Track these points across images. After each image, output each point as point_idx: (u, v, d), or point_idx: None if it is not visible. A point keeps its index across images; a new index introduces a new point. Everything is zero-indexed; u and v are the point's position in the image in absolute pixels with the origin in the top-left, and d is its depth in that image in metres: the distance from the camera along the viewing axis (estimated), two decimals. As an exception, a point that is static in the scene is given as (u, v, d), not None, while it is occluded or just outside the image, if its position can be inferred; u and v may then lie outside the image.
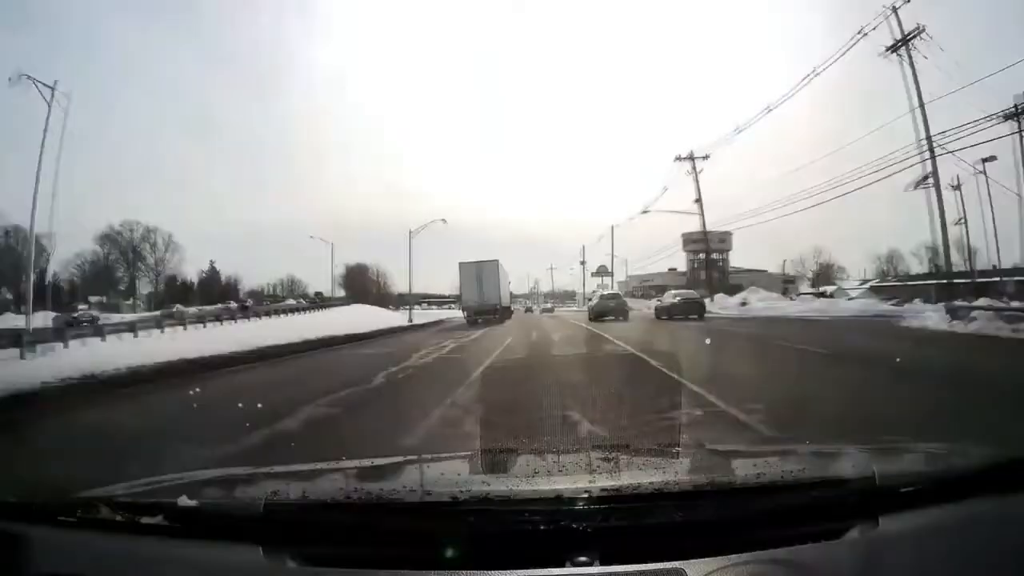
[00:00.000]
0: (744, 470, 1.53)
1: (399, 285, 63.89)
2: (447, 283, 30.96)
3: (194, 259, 59.84)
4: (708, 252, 38.57)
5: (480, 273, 29.00)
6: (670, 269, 57.35)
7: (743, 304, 29.59)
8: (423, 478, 1.36)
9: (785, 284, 53.67)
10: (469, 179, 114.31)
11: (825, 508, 1.11)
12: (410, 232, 31.96)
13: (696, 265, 60.24)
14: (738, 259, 60.20)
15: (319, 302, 43.17)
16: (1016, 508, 1.16)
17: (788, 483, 1.19)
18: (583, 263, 66.37)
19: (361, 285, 54.01)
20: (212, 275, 62.32)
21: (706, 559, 0.96)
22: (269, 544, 1.04)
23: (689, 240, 59.45)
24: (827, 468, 1.47)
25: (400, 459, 1.73)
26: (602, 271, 61.82)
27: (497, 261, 30.22)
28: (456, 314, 36.86)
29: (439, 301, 54.29)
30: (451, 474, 1.57)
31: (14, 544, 1.06)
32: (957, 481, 1.23)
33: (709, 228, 46.27)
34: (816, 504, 1.12)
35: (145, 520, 1.10)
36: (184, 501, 1.10)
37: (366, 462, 1.68)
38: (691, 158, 34.90)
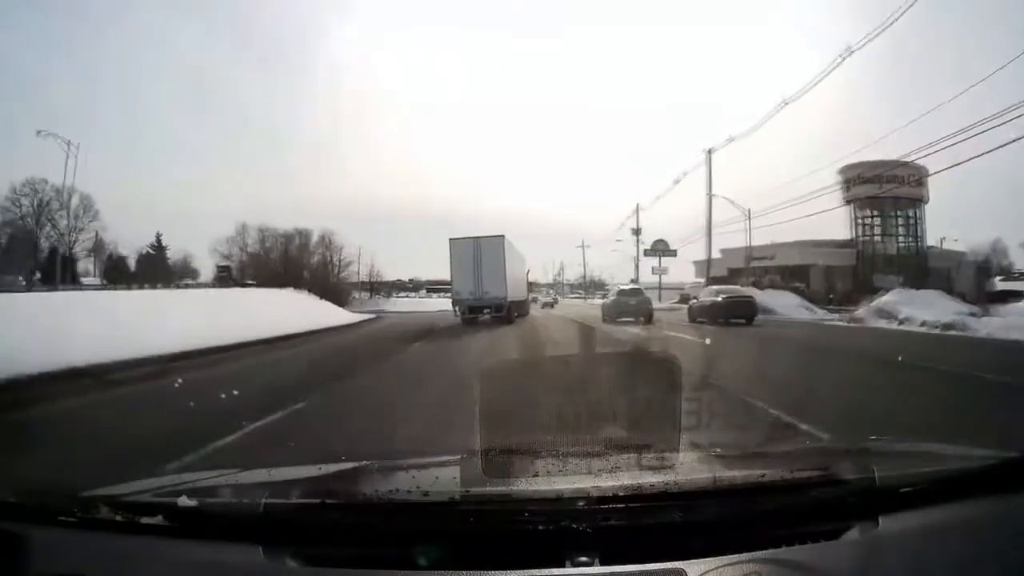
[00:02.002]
0: (744, 470, 1.54)
1: (385, 273, 55.74)
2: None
3: (147, 232, 50.82)
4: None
5: (478, 253, 20.26)
6: (772, 243, 33.53)
7: None
8: (423, 478, 1.36)
9: (979, 273, 31.69)
10: (494, 156, 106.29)
11: (825, 508, 1.11)
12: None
13: (871, 231, 34.01)
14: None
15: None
16: (1016, 508, 1.16)
17: (788, 483, 1.19)
18: (636, 232, 43.11)
19: (296, 262, 39.88)
20: (158, 250, 51.16)
21: (706, 559, 0.97)
22: (269, 544, 1.04)
23: (858, 178, 29.19)
24: (827, 468, 1.46)
25: (400, 459, 1.73)
26: (659, 247, 41.33)
27: (503, 237, 20.79)
28: (435, 306, 28.47)
29: (446, 289, 48.08)
30: (451, 474, 1.57)
31: (14, 544, 1.06)
32: (957, 481, 1.23)
33: (865, 159, 24.67)
34: (816, 504, 1.12)
35: (145, 520, 1.10)
36: (184, 501, 1.10)
37: (366, 462, 1.69)
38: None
